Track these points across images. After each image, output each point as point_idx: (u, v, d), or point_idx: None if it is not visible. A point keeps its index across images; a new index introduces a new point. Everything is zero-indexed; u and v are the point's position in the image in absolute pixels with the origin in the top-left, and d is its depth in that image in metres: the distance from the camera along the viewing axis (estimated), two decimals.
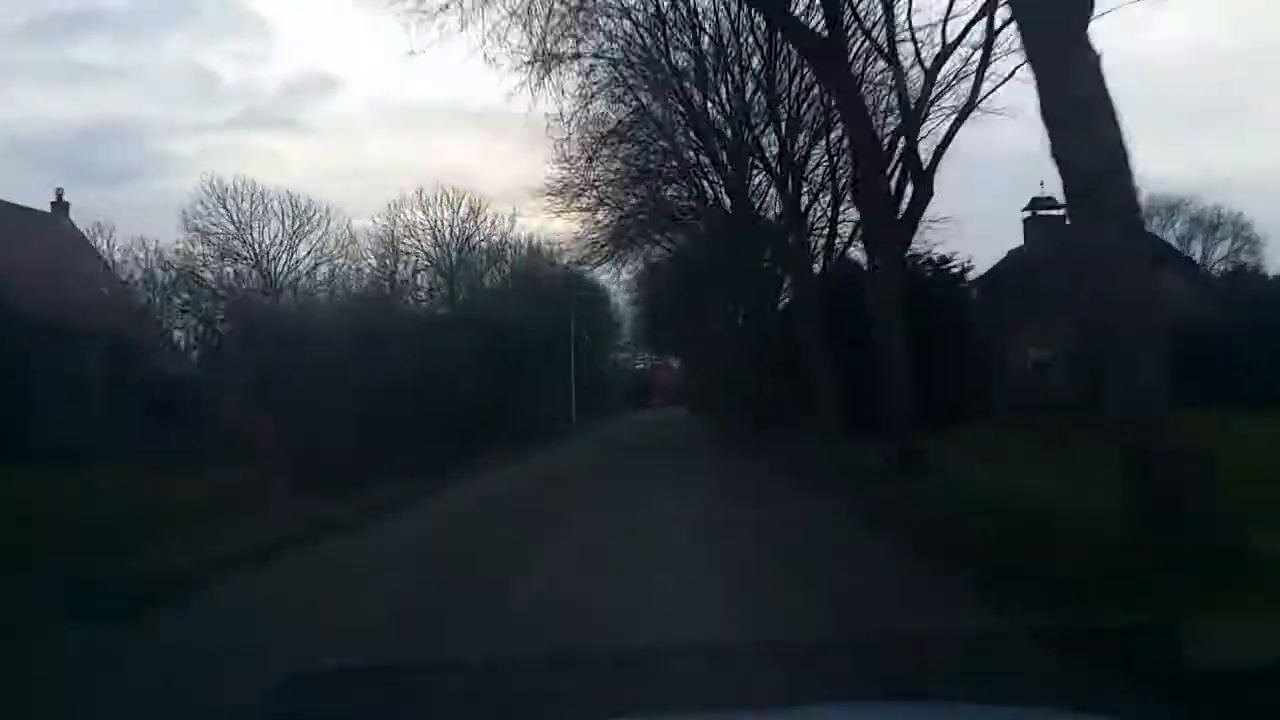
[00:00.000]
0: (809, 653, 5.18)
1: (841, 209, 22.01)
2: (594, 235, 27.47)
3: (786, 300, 28.89)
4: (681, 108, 21.30)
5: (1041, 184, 46.89)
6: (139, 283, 32.97)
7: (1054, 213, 38.38)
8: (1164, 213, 44.39)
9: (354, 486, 15.11)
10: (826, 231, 22.40)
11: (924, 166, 13.78)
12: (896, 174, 14.19)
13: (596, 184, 24.19)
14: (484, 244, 45.85)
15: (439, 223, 45.71)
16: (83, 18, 57.97)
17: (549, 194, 24.81)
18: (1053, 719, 3.27)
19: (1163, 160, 71.56)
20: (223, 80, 60.61)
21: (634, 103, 21.47)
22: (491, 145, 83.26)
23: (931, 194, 13.33)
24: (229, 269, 37.25)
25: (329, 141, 69.90)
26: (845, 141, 20.65)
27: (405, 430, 19.67)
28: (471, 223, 45.76)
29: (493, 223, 46.02)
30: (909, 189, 13.92)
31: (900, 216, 13.26)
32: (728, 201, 26.20)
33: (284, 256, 41.17)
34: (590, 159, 22.91)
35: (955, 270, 28.29)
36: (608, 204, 25.46)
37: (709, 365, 51.68)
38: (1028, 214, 38.43)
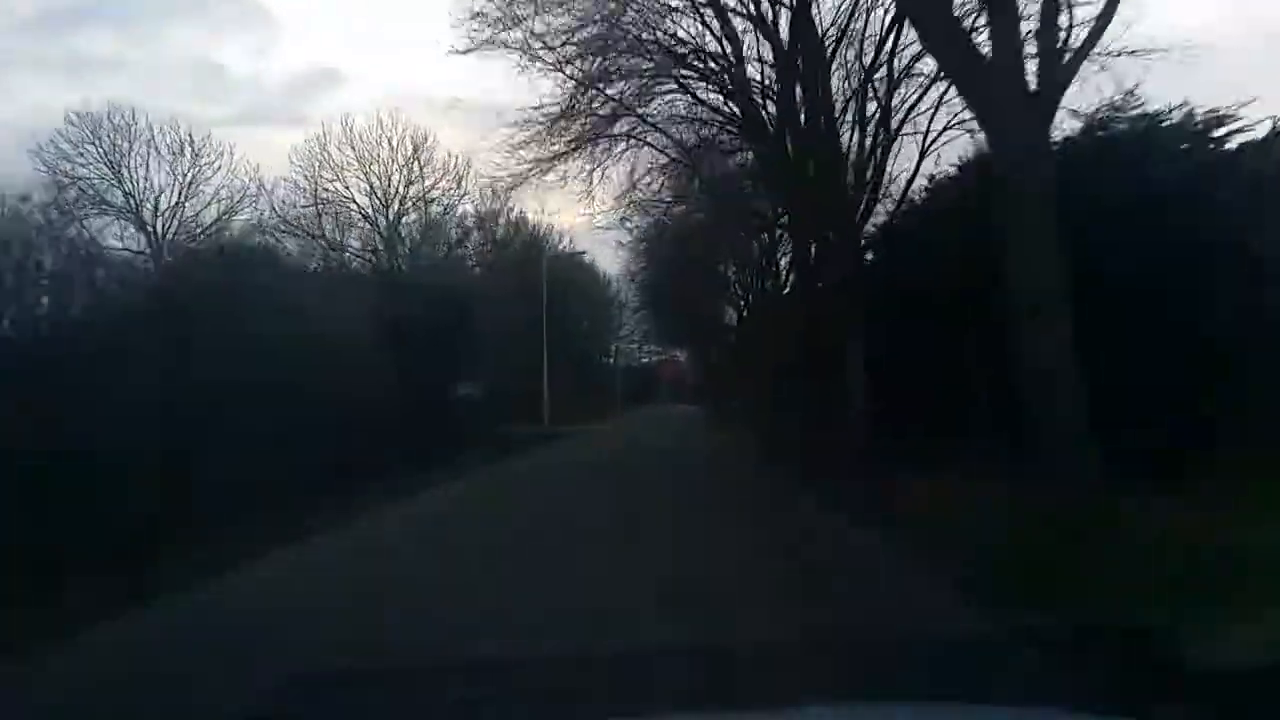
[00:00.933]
0: None
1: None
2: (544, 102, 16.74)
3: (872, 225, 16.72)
4: None
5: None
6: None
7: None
8: None
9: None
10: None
11: None
12: None
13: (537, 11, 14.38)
14: (435, 191, 35.90)
15: (375, 161, 35.83)
16: (86, 9, 51.81)
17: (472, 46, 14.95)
18: (1053, 719, 3.20)
19: None
20: (228, 75, 53.16)
21: None
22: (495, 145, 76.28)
23: None
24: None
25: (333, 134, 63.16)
26: None
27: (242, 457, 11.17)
28: (415, 166, 35.94)
29: (443, 167, 36.15)
30: None
31: None
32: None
33: (177, 208, 32.34)
34: None
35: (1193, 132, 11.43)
36: (553, 48, 15.33)
37: (742, 348, 40.15)
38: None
